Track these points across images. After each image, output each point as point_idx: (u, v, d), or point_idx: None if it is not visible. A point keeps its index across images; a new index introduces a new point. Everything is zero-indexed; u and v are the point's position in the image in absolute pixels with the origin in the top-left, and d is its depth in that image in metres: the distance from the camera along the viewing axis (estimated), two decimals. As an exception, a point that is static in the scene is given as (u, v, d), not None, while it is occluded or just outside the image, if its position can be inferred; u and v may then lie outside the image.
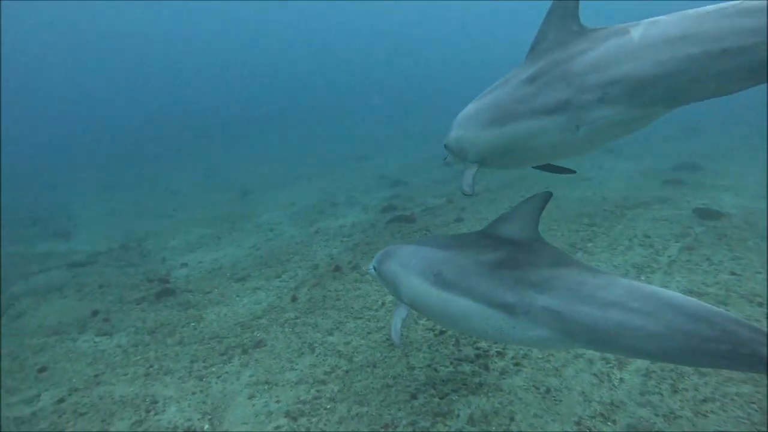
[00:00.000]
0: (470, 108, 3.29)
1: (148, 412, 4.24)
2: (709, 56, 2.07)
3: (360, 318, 5.40)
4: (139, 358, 5.25)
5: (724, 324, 1.98)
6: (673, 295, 2.20)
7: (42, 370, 5.23)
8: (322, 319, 5.53)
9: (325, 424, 3.76)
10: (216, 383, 4.56)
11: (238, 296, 6.68)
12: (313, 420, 3.83)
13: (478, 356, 4.35)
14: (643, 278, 5.35)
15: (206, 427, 3.97)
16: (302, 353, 4.87)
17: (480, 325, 2.78)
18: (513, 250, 2.76)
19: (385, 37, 72.29)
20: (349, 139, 26.51)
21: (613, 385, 3.77)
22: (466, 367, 4.22)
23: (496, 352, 4.38)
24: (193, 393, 4.45)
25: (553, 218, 7.78)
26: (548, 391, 3.78)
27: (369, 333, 5.06)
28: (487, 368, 4.17)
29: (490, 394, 3.83)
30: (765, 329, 1.93)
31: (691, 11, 2.20)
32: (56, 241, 12.22)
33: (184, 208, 14.55)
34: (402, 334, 3.59)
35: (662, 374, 3.79)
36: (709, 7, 2.15)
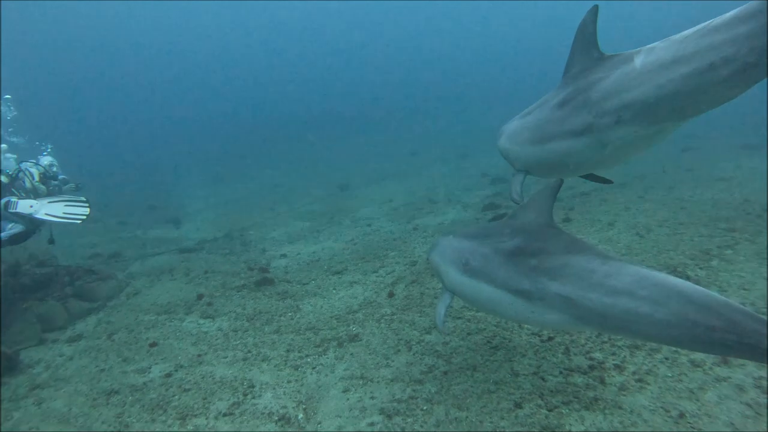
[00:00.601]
0: (515, 124, 3.83)
1: (245, 395, 4.27)
2: (699, 72, 2.36)
3: (459, 318, 5.10)
4: (238, 342, 5.36)
5: (730, 314, 2.00)
6: (681, 283, 2.24)
7: (153, 344, 5.52)
8: (420, 316, 5.30)
9: (422, 426, 3.54)
10: (311, 374, 4.51)
11: (334, 289, 6.65)
12: (409, 420, 3.62)
13: (591, 367, 3.90)
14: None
15: (300, 416, 3.90)
16: (398, 350, 4.68)
17: (504, 309, 3.03)
18: (529, 238, 3.00)
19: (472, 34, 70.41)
20: (449, 137, 26.10)
21: (775, 420, 3.12)
22: (578, 379, 3.79)
23: (614, 365, 3.90)
24: (289, 381, 4.42)
25: (679, 221, 6.90)
26: (682, 416, 3.24)
27: (469, 334, 4.75)
28: (603, 382, 3.71)
29: (607, 412, 3.39)
30: None
31: (676, 36, 2.54)
32: (169, 228, 13.21)
33: (285, 201, 15.08)
34: (446, 321, 3.83)
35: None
36: (689, 30, 2.47)
